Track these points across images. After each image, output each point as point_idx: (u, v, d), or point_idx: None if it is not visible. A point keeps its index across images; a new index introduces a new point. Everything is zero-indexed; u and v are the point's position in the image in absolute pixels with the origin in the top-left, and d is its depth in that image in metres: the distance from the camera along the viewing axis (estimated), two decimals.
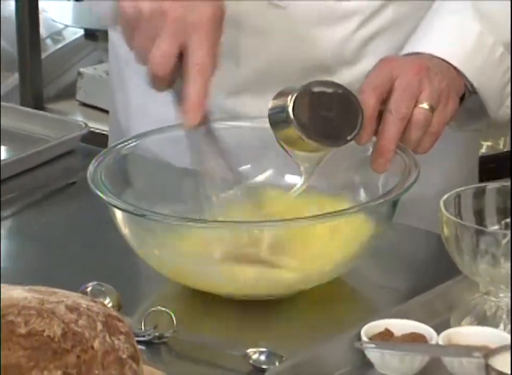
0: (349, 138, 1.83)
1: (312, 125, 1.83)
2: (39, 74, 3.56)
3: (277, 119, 1.86)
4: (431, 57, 1.98)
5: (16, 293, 1.34)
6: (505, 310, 1.58)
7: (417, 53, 2.01)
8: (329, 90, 1.86)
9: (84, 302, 1.34)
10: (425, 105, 1.90)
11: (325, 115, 1.84)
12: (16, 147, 2.18)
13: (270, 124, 1.88)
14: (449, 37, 2.02)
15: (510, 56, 2.05)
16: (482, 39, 2.01)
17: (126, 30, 1.93)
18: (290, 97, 1.82)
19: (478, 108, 2.08)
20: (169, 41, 1.84)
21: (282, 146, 1.90)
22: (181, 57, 1.88)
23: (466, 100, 2.04)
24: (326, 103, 1.86)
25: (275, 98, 1.88)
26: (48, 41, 3.71)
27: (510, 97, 2.10)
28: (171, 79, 1.88)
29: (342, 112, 1.86)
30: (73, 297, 1.35)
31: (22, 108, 2.98)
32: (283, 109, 1.82)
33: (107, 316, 1.34)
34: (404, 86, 1.90)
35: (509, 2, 2.05)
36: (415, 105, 1.88)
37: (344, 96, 1.87)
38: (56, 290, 1.36)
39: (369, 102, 1.86)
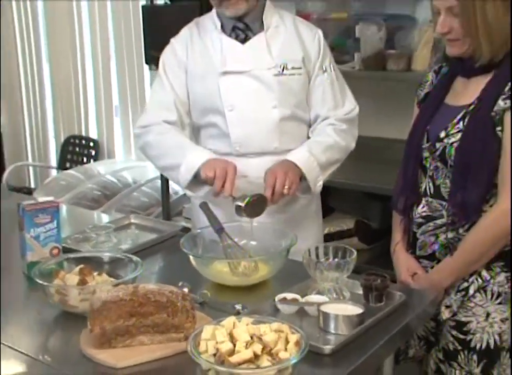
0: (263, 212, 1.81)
1: (250, 211, 1.78)
2: (168, 208, 3.46)
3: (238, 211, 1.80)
4: (292, 162, 1.88)
5: (150, 286, 1.37)
6: (326, 289, 1.56)
7: (287, 160, 1.90)
8: (255, 197, 1.78)
9: (174, 289, 1.38)
10: (286, 187, 1.81)
11: (254, 205, 1.78)
12: (157, 233, 2.06)
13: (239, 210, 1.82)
14: (299, 157, 1.90)
15: (319, 167, 1.94)
16: (309, 159, 1.90)
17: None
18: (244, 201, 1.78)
19: (307, 186, 1.93)
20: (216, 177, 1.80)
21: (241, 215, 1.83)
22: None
23: (301, 182, 1.91)
24: (256, 200, 1.79)
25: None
26: (173, 195, 3.66)
27: (320, 183, 1.98)
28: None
29: (260, 202, 1.80)
30: (171, 287, 1.38)
31: (162, 220, 2.95)
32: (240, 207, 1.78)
33: (183, 294, 1.38)
34: (279, 179, 1.80)
35: (322, 145, 1.98)
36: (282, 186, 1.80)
37: (261, 196, 1.81)
38: (165, 285, 1.39)
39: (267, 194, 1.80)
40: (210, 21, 2.02)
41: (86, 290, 1.48)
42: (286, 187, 1.82)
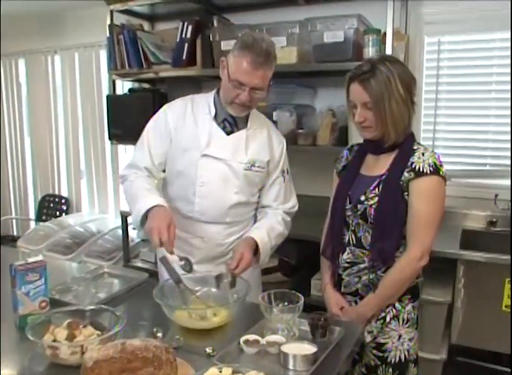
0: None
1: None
2: (128, 252, 3.03)
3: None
4: (254, 241, 1.65)
5: (136, 342, 1.11)
6: (279, 328, 1.35)
7: (251, 238, 1.65)
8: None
9: (158, 343, 1.13)
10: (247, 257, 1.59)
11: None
12: (127, 280, 1.80)
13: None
14: (261, 238, 1.68)
15: (270, 249, 1.74)
16: (267, 243, 1.69)
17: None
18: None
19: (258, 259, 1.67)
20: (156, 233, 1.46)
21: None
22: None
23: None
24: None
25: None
26: (131, 242, 3.21)
27: (267, 259, 1.75)
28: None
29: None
30: (155, 342, 1.13)
31: (129, 269, 2.61)
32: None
33: (166, 347, 1.13)
34: (245, 259, 1.57)
35: (276, 232, 1.76)
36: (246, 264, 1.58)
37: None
38: (149, 339, 1.14)
39: (233, 264, 1.56)
40: (206, 104, 1.77)
41: (74, 345, 1.21)
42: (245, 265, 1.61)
